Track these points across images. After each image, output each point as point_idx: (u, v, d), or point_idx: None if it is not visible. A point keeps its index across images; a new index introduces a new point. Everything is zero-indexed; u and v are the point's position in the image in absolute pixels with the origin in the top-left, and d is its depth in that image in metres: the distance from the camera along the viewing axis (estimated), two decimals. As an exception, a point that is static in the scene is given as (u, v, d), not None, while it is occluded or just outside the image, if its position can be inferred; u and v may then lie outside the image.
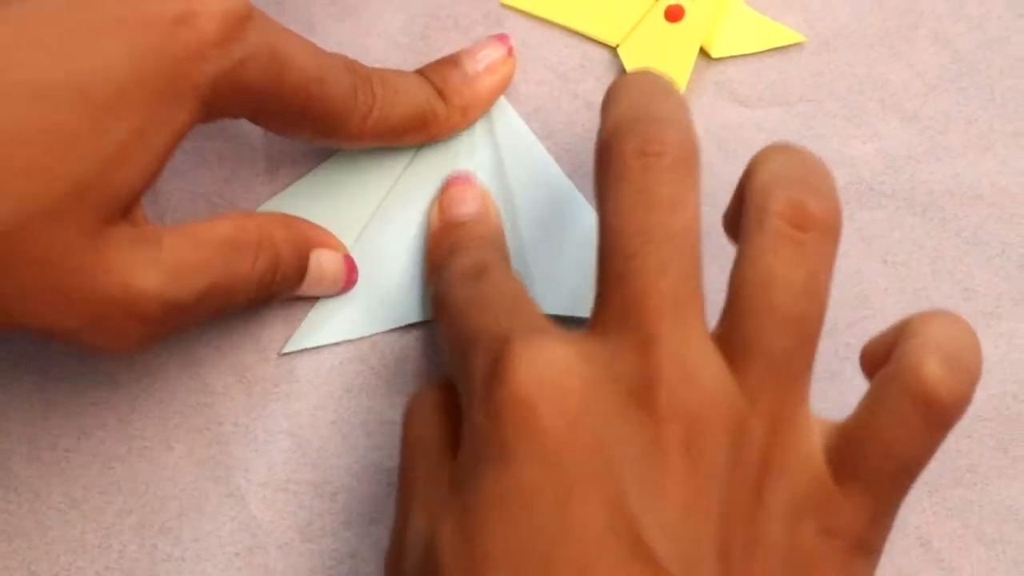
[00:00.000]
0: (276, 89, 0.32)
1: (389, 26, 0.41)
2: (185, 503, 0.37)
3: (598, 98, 0.40)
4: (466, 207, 0.38)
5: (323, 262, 0.37)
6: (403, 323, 0.38)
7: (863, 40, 0.41)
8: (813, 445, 0.29)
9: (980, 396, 0.35)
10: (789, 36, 0.41)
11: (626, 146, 0.29)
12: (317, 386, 0.38)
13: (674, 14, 0.41)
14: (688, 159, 0.29)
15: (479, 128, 0.40)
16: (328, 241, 0.38)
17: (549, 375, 0.26)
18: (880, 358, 0.29)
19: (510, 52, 0.40)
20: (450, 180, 0.39)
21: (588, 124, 0.40)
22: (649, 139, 0.29)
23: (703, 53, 0.41)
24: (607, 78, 0.41)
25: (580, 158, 0.40)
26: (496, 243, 0.37)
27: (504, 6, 0.42)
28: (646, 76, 0.32)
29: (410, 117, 0.37)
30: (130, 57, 0.29)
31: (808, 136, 0.40)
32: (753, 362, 0.28)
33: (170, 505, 0.37)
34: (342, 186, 0.39)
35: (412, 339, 0.38)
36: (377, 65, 0.37)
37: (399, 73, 0.38)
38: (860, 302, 0.39)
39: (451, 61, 0.39)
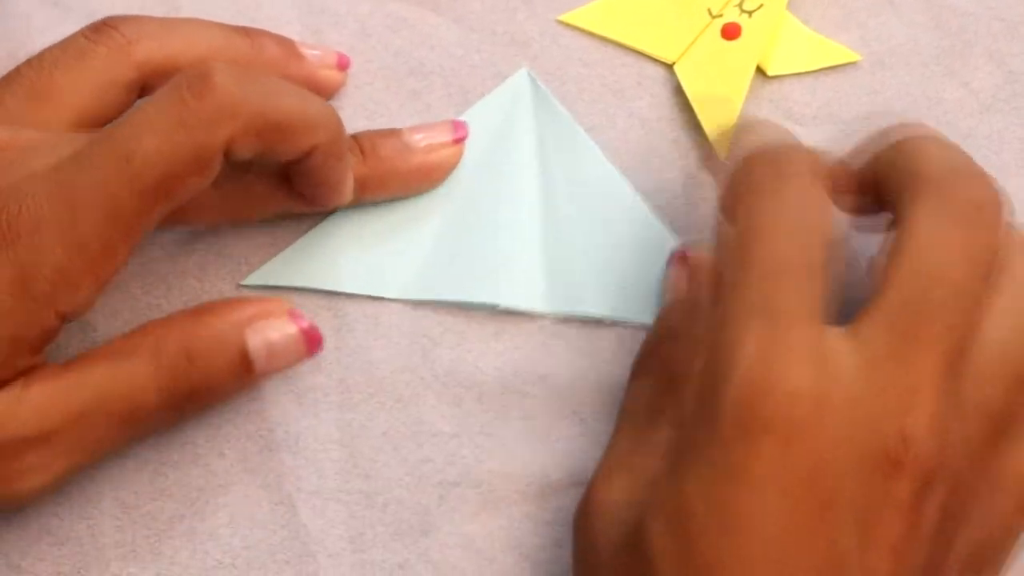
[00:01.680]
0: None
1: (444, 38, 0.42)
2: (236, 510, 0.37)
3: (654, 115, 0.41)
4: None
5: (269, 336, 0.35)
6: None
7: (918, 59, 0.42)
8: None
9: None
10: (844, 55, 0.42)
11: (969, 195, 0.31)
12: (368, 396, 0.38)
13: (731, 32, 0.41)
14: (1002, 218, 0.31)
15: (524, 126, 0.41)
16: (267, 310, 0.36)
17: (808, 414, 0.27)
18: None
19: (458, 141, 0.40)
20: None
21: (643, 141, 0.41)
22: (985, 192, 0.31)
23: (759, 71, 0.42)
24: (663, 95, 0.42)
25: (635, 177, 0.41)
26: None
27: (561, 23, 0.43)
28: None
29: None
30: None
31: (862, 155, 0.41)
32: (978, 422, 0.30)
33: (221, 512, 0.37)
34: None
35: (464, 351, 0.39)
36: (433, 77, 0.38)
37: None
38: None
39: (393, 131, 0.39)
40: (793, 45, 0.42)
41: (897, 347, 0.28)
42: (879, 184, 0.33)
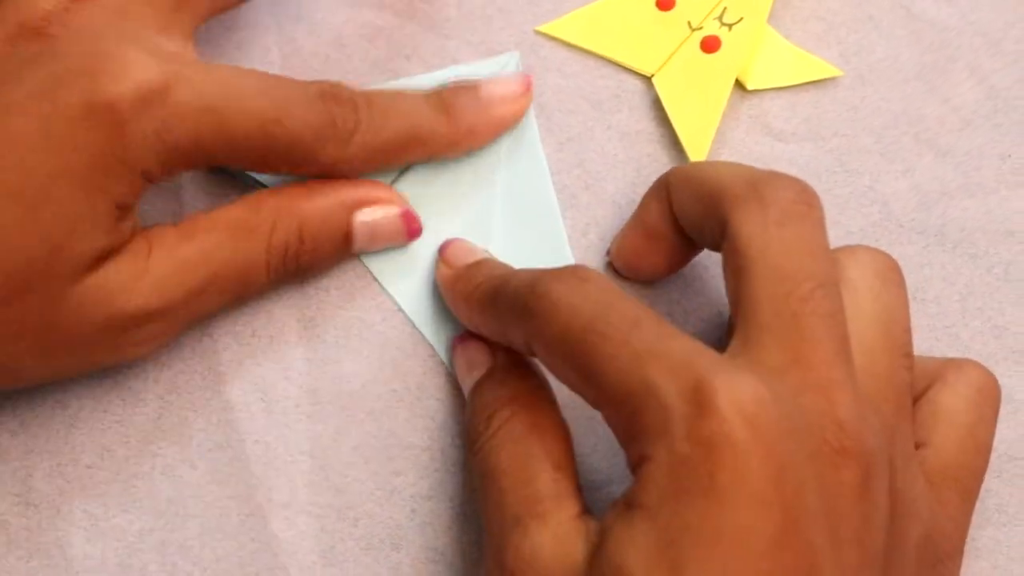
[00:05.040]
0: (220, 140, 0.35)
1: (420, 47, 0.43)
2: (206, 522, 0.38)
3: (632, 128, 0.42)
4: (478, 254, 0.40)
5: (373, 220, 0.39)
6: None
7: (899, 75, 0.43)
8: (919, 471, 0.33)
9: (1010, 436, 0.37)
10: (825, 70, 0.43)
11: (783, 194, 0.32)
12: (339, 408, 0.39)
13: (710, 45, 0.43)
14: (824, 215, 0.33)
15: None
16: (376, 197, 0.39)
17: (757, 415, 0.28)
18: None
19: (528, 88, 0.41)
20: (445, 243, 0.40)
21: (621, 154, 0.42)
22: (802, 191, 0.32)
23: (738, 85, 0.43)
24: (641, 108, 0.43)
25: (609, 188, 0.42)
26: None
27: (538, 33, 0.44)
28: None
29: (400, 137, 0.38)
30: (49, 150, 0.32)
31: (840, 172, 0.42)
32: (886, 397, 0.32)
33: (191, 524, 0.38)
34: None
35: (435, 363, 0.40)
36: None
37: (393, 93, 0.39)
38: (890, 339, 0.40)
39: (470, 85, 0.40)
40: (773, 59, 0.43)
41: (793, 354, 0.30)
42: (684, 217, 0.36)
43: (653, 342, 0.30)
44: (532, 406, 0.35)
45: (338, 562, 0.38)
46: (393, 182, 0.41)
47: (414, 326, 0.40)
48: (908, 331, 0.33)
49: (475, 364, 0.37)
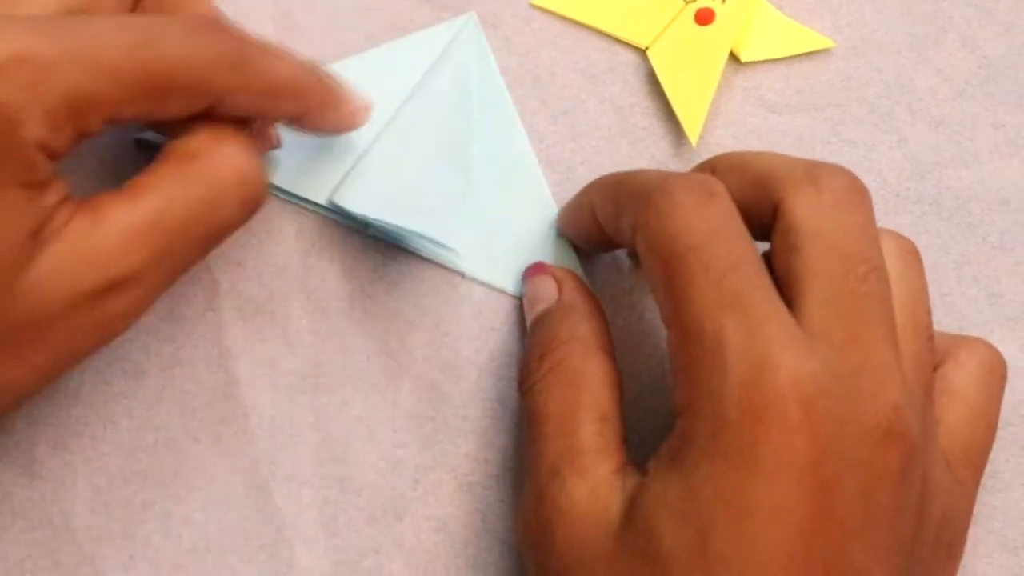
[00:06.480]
0: (96, 84, 0.31)
1: (416, 20, 0.44)
2: (210, 495, 0.39)
3: (626, 101, 0.43)
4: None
5: None
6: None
7: (892, 45, 0.44)
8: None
9: (1005, 402, 0.38)
10: (818, 41, 0.44)
11: (838, 182, 0.33)
12: (344, 381, 0.40)
13: (704, 17, 0.43)
14: (873, 206, 0.33)
15: (458, 71, 0.43)
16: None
17: (813, 398, 0.29)
18: None
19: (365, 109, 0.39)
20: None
21: (615, 128, 0.43)
22: (855, 180, 0.33)
23: (732, 57, 0.43)
24: (636, 81, 0.43)
25: (604, 162, 0.43)
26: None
27: (533, 7, 0.44)
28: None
29: (289, 82, 0.35)
30: None
31: (835, 142, 0.43)
32: (917, 380, 0.32)
33: (195, 496, 0.39)
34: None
35: (440, 333, 0.40)
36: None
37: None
38: (885, 307, 0.41)
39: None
40: (766, 31, 0.44)
41: (852, 331, 0.30)
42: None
43: (741, 292, 0.30)
44: (587, 350, 0.35)
45: (341, 533, 0.38)
46: (365, 151, 0.41)
47: (418, 300, 0.41)
48: (930, 312, 0.34)
49: (540, 298, 0.38)
